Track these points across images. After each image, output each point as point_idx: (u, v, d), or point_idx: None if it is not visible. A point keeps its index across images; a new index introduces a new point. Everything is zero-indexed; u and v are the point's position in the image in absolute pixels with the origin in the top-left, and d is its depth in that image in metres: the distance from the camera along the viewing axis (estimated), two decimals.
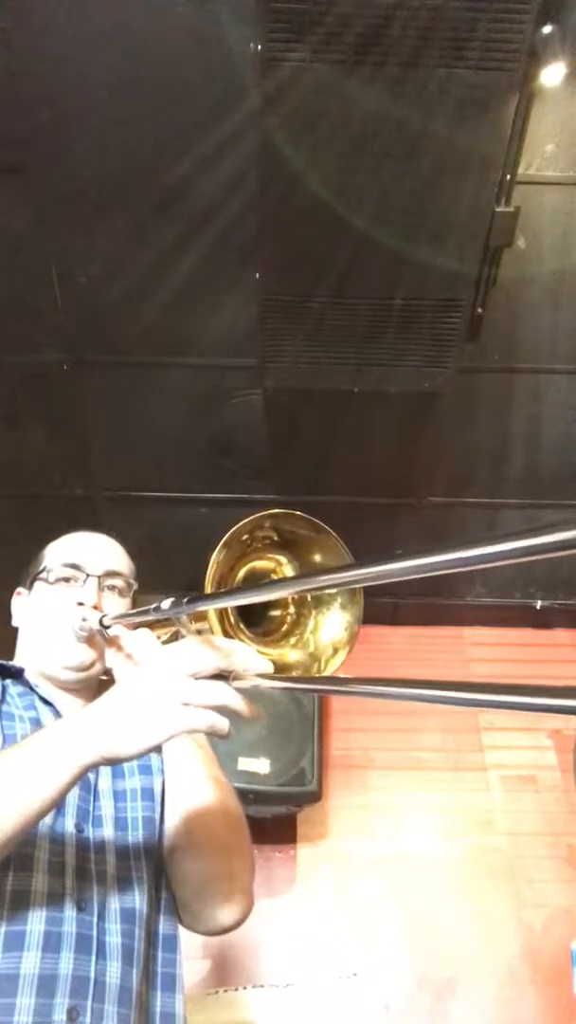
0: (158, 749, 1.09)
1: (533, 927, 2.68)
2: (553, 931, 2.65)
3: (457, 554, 0.51)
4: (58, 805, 0.95)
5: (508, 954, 2.63)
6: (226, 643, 0.84)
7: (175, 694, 0.78)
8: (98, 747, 0.79)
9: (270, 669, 0.81)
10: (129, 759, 0.80)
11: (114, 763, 0.81)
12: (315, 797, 2.65)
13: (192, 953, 2.47)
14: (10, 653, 1.20)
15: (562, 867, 2.82)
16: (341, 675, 0.94)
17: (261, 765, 2.58)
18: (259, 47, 1.61)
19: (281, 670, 0.95)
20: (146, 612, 0.99)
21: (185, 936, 1.04)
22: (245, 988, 2.45)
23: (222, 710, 0.78)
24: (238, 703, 0.79)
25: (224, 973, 2.56)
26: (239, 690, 0.80)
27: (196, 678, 0.79)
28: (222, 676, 0.80)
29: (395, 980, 2.57)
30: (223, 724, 0.77)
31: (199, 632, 0.96)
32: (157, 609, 0.93)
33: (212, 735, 0.79)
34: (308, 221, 1.87)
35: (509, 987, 2.57)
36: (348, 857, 2.83)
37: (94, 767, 0.82)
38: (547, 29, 1.62)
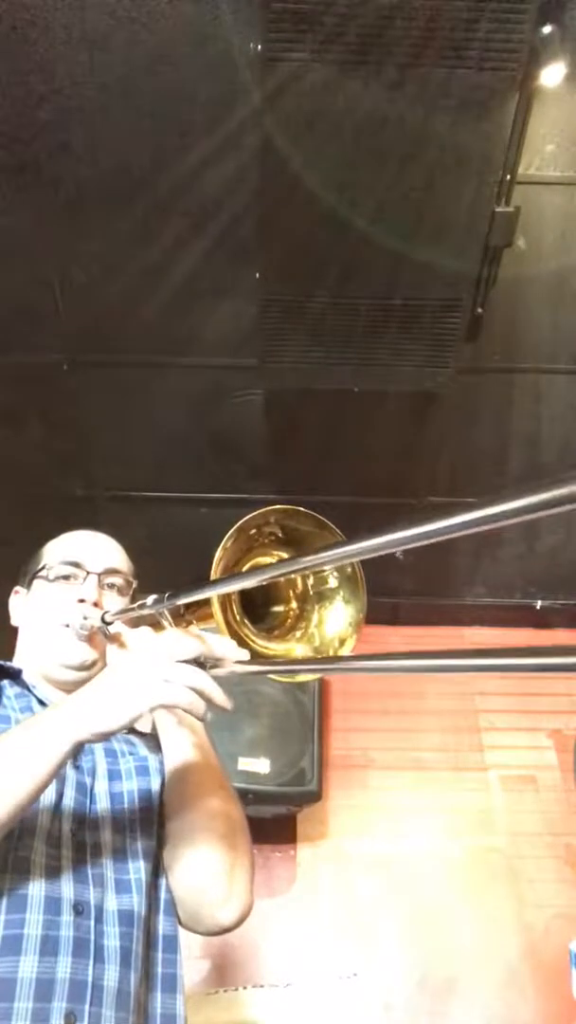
0: (153, 735, 1.10)
1: (533, 927, 2.68)
2: (553, 931, 2.65)
3: (448, 521, 0.51)
4: (55, 808, 0.96)
5: (508, 954, 2.62)
6: (206, 634, 0.89)
7: (157, 671, 0.84)
8: (86, 723, 0.84)
9: (245, 657, 0.87)
10: (116, 731, 0.84)
11: (103, 738, 0.86)
12: (315, 797, 2.64)
13: (192, 953, 2.47)
14: (10, 654, 1.20)
15: (562, 867, 2.82)
16: (315, 656, 0.96)
17: (261, 765, 2.58)
18: (259, 47, 1.61)
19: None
20: (141, 607, 1.00)
21: (185, 936, 1.04)
22: (245, 988, 2.45)
23: (199, 695, 0.84)
24: (214, 689, 0.84)
25: (224, 973, 2.55)
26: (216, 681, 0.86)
27: (177, 662, 0.85)
28: (201, 666, 0.86)
29: (395, 980, 2.56)
30: (201, 704, 0.83)
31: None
32: (142, 606, 0.96)
33: (189, 713, 0.84)
34: (308, 221, 1.87)
35: (509, 987, 2.56)
36: (348, 857, 2.83)
37: (84, 743, 0.86)
38: (547, 29, 1.62)
